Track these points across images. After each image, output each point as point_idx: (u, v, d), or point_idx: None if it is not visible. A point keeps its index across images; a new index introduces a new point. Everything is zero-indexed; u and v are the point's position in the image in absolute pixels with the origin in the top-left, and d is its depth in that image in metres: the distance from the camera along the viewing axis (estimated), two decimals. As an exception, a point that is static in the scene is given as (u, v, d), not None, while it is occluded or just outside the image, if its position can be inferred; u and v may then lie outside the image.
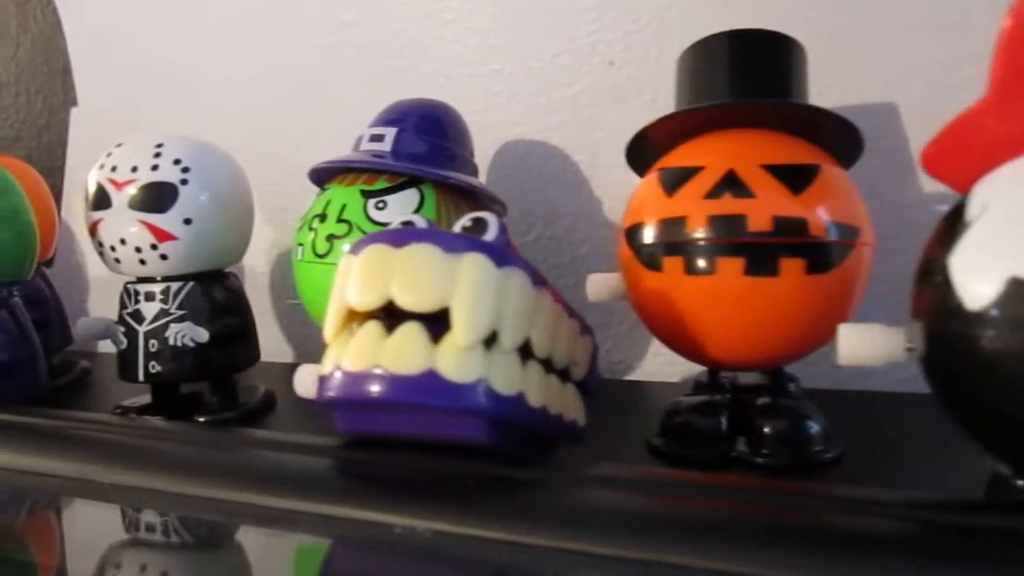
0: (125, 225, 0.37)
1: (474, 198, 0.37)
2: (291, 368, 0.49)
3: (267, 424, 0.41)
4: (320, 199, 0.36)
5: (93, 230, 0.38)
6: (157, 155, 0.37)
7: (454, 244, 0.23)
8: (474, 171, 0.38)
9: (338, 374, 0.23)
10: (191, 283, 0.39)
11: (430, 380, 0.22)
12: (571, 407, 0.27)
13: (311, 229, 0.35)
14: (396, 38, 0.47)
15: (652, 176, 0.31)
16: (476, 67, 0.45)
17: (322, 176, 0.38)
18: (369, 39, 0.47)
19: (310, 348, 0.52)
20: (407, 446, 0.27)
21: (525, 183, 0.44)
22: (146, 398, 0.41)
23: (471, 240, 0.24)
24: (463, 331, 0.22)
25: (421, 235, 0.24)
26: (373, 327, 0.23)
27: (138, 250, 0.37)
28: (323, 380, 0.24)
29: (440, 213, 0.35)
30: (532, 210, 0.44)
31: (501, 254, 0.24)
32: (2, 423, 0.36)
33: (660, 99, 0.41)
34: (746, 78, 0.31)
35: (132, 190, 0.37)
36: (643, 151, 0.33)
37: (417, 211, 0.34)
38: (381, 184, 0.35)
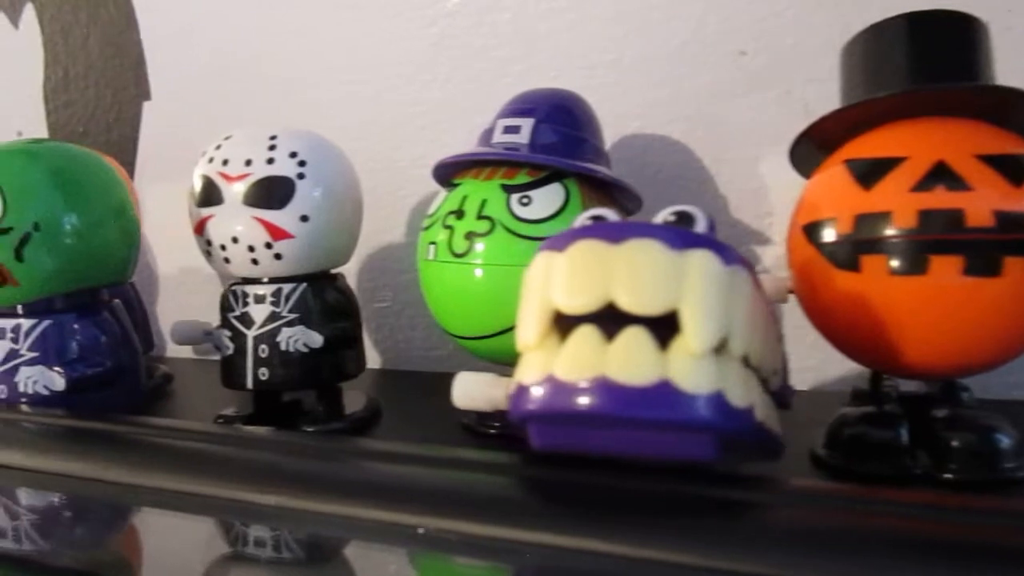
0: (238, 222, 0.35)
1: (611, 193, 0.34)
2: (381, 374, 0.47)
3: (375, 434, 0.39)
4: (454, 195, 0.33)
5: (200, 227, 0.36)
6: (272, 147, 0.35)
7: (679, 240, 0.21)
8: (608, 163, 0.35)
9: (547, 385, 0.21)
10: (303, 284, 0.36)
11: (663, 392, 0.20)
12: (775, 421, 0.25)
13: (446, 227, 0.33)
14: (503, 28, 0.44)
15: (836, 168, 0.28)
16: (591, 57, 0.42)
17: (446, 171, 0.35)
18: (474, 29, 0.45)
19: (398, 353, 0.50)
20: (597, 462, 0.24)
21: (644, 180, 0.41)
22: (243, 406, 0.39)
23: (696, 235, 0.21)
24: (697, 337, 0.20)
25: (641, 229, 0.21)
26: (589, 332, 0.21)
27: (251, 249, 0.35)
28: (523, 391, 0.22)
29: (586, 209, 0.32)
30: (652, 208, 0.42)
31: (727, 251, 0.21)
32: (105, 433, 0.34)
33: (796, 91, 0.39)
34: (933, 63, 0.29)
35: (246, 185, 0.35)
36: (807, 144, 0.31)
37: (564, 207, 0.32)
38: (523, 178, 0.32)
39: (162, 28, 0.53)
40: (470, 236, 0.32)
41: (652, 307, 0.20)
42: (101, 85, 0.55)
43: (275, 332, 0.36)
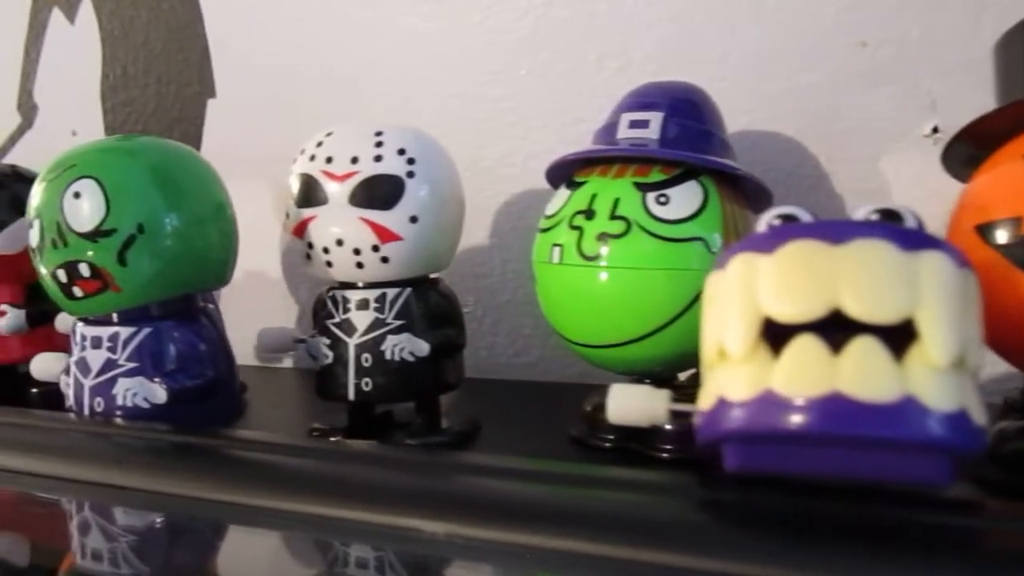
0: (344, 223, 0.33)
1: (743, 190, 0.32)
2: (466, 383, 0.44)
3: (478, 447, 0.37)
4: (579, 194, 0.31)
5: (301, 229, 0.34)
6: (379, 144, 0.33)
7: (909, 241, 0.19)
8: (735, 158, 0.33)
9: (762, 401, 0.19)
10: (408, 289, 0.34)
11: (906, 409, 0.18)
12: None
13: (573, 228, 0.31)
14: (600, 20, 0.42)
15: (1014, 165, 0.26)
16: (696, 49, 0.40)
17: (565, 169, 0.33)
18: (569, 21, 0.43)
19: (479, 360, 0.48)
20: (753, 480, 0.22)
21: (753, 179, 0.39)
22: (336, 418, 0.37)
23: (927, 236, 0.19)
24: (940, 348, 0.18)
25: (867, 229, 0.19)
26: (812, 343, 0.19)
27: (356, 252, 0.33)
28: (726, 407, 0.20)
29: (725, 208, 0.30)
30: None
31: (957, 253, 0.19)
32: (205, 449, 0.32)
33: (923, 85, 0.36)
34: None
35: (353, 184, 0.33)
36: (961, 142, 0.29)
37: (703, 206, 0.30)
38: (656, 176, 0.30)
39: (228, 21, 0.51)
40: (603, 237, 0.30)
41: (886, 315, 0.18)
42: (163, 82, 0.53)
43: (379, 340, 0.34)
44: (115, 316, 0.32)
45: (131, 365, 0.31)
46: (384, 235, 0.33)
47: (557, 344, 0.46)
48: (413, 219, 0.33)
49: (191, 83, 0.52)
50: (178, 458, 0.31)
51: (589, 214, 0.30)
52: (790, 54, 0.39)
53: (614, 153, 0.31)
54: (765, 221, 0.22)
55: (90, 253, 0.29)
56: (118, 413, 0.31)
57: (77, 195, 0.29)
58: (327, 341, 0.35)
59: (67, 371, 0.33)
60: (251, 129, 0.51)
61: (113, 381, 0.31)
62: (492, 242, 0.46)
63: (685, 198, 0.30)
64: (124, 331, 0.31)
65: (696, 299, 0.30)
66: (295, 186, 0.34)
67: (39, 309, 0.47)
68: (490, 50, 0.45)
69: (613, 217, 0.30)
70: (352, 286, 0.35)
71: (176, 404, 0.31)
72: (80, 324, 0.32)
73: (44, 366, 0.35)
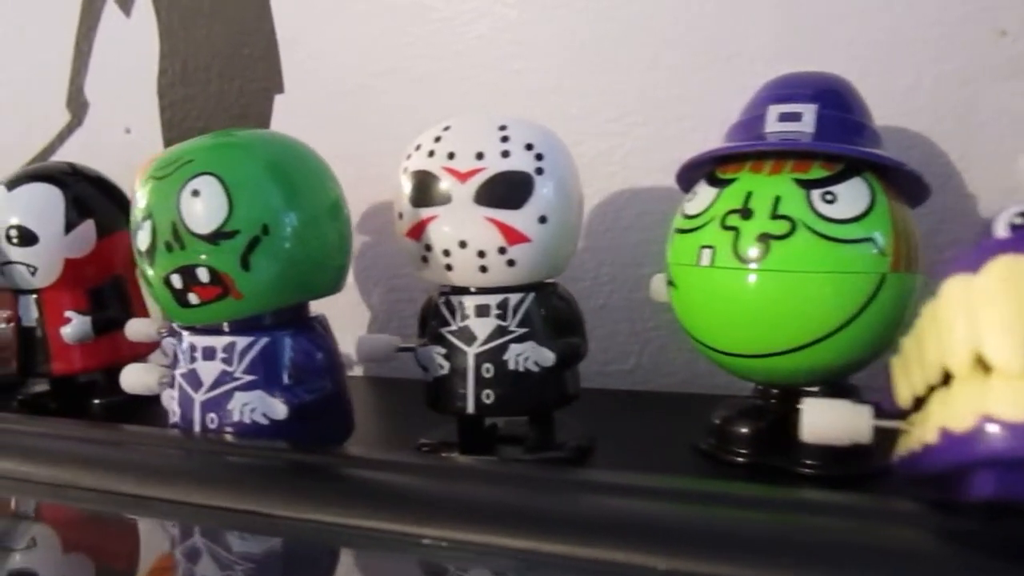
0: (470, 224, 0.30)
1: (901, 186, 0.30)
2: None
3: (597, 462, 0.35)
4: (729, 191, 0.29)
5: (418, 231, 0.31)
6: (504, 139, 0.31)
7: None
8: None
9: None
10: (531, 295, 0.32)
11: None
12: None
13: (727, 228, 0.28)
14: (708, 7, 0.40)
15: None
16: (815, 41, 0.38)
17: (704, 165, 0.31)
18: (673, 11, 0.41)
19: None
20: None
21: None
22: (444, 433, 0.35)
23: None
24: None
25: None
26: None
27: (481, 254, 0.31)
28: (995, 427, 0.18)
29: (891, 206, 0.28)
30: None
31: None
32: (322, 468, 0.30)
33: (1068, 76, 0.34)
34: None
35: (479, 181, 0.30)
36: None
37: (872, 204, 0.28)
38: (819, 172, 0.28)
39: (297, 13, 0.49)
40: (764, 239, 0.27)
41: None
42: (225, 78, 0.51)
43: (501, 349, 0.32)
44: (225, 325, 0.29)
45: (248, 378, 0.28)
46: (512, 236, 0.30)
47: (654, 351, 0.44)
48: (542, 219, 0.31)
49: (257, 78, 0.50)
50: (298, 479, 0.29)
51: (746, 213, 0.28)
52: (921, 44, 0.36)
53: (790, 147, 0.29)
54: (1004, 219, 0.20)
55: (205, 256, 0.27)
56: (228, 430, 0.29)
57: (196, 193, 0.27)
58: (442, 350, 0.32)
59: (171, 383, 0.30)
60: (320, 126, 0.48)
61: (228, 395, 0.28)
62: (585, 244, 0.44)
63: (853, 196, 0.28)
64: (240, 341, 0.28)
65: (864, 307, 0.27)
66: (409, 184, 0.31)
67: (103, 316, 0.45)
68: (591, 40, 0.42)
69: (775, 216, 0.28)
70: (463, 291, 0.32)
71: (296, 420, 0.28)
72: (187, 333, 0.30)
73: (137, 378, 0.32)
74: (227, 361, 0.28)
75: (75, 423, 0.33)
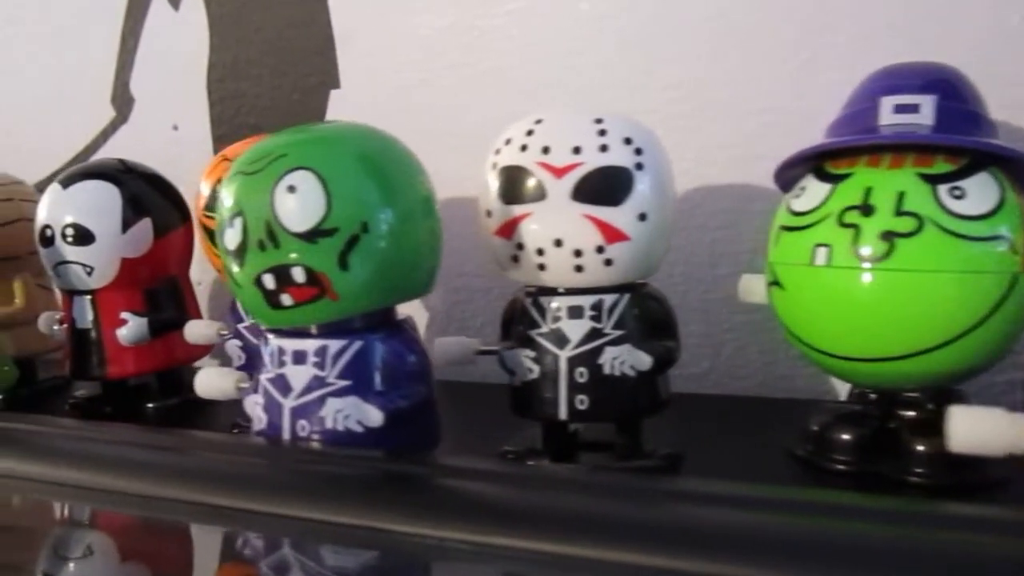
0: (566, 222, 0.29)
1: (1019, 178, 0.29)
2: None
3: (689, 470, 0.33)
4: (845, 186, 0.28)
5: (509, 229, 0.30)
6: (602, 132, 0.30)
7: None
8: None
9: None
10: (627, 295, 0.31)
11: None
12: None
13: (845, 225, 0.27)
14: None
15: None
16: (920, 30, 0.37)
17: (813, 159, 0.30)
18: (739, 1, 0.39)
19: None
20: None
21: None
22: (528, 439, 0.33)
23: None
24: None
25: None
26: None
27: (577, 253, 0.29)
28: None
29: (1020, 202, 0.27)
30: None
31: None
32: (417, 477, 0.28)
33: None
34: None
35: (577, 177, 0.29)
36: None
37: (1002, 200, 0.26)
38: (944, 166, 0.27)
39: (356, 3, 0.47)
40: (888, 236, 0.26)
41: None
42: (278, 72, 0.49)
43: (596, 352, 0.30)
44: (314, 328, 0.28)
45: (342, 383, 0.27)
46: (611, 234, 0.29)
47: (730, 354, 0.43)
48: (641, 216, 0.29)
49: (312, 72, 0.48)
50: (395, 489, 0.27)
51: (867, 210, 0.27)
52: None
53: (919, 140, 0.27)
54: None
55: (301, 255, 0.26)
56: (316, 437, 0.27)
57: (292, 189, 0.25)
58: (531, 354, 0.31)
59: (255, 389, 0.29)
60: (378, 125, 0.47)
61: (321, 401, 0.27)
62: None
63: (982, 191, 0.26)
64: (333, 344, 0.27)
65: (994, 309, 0.26)
66: (499, 180, 0.30)
67: (159, 317, 0.43)
68: (659, 35, 0.41)
69: (899, 213, 0.26)
70: (554, 291, 0.31)
71: (388, 427, 0.27)
72: (273, 336, 0.28)
73: (213, 383, 0.31)
74: (319, 365, 0.27)
75: (162, 432, 0.33)
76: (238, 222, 0.26)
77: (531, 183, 0.29)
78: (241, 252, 0.26)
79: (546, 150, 0.29)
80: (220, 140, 0.51)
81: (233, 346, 0.38)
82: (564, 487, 0.28)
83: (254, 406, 0.29)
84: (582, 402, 0.30)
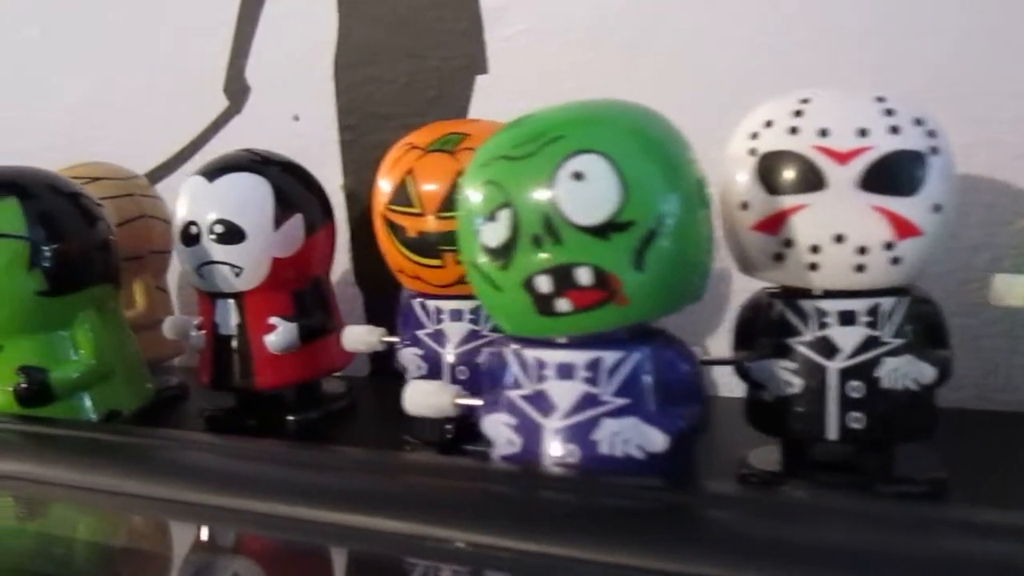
0: (851, 214, 0.25)
1: None
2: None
3: (954, 497, 0.29)
4: None
5: (776, 223, 0.26)
6: (889, 112, 0.26)
7: None
8: None
9: None
10: (906, 299, 0.27)
11: None
12: None
13: None
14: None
15: None
16: None
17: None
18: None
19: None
20: None
21: None
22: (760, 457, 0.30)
23: None
24: None
25: None
26: None
27: (862, 251, 0.26)
28: None
29: None
30: None
31: None
32: (681, 509, 0.25)
33: None
34: None
35: (866, 163, 0.25)
36: None
37: None
38: None
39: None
40: None
41: None
42: (417, 56, 0.45)
43: (873, 363, 0.27)
44: (564, 337, 0.24)
45: (620, 402, 0.23)
46: (903, 229, 0.25)
47: (992, 366, 0.38)
48: (936, 208, 0.26)
49: (454, 56, 0.44)
50: (671, 524, 0.24)
51: None
52: None
53: None
54: None
55: (588, 254, 0.22)
56: (591, 464, 0.24)
57: (578, 176, 0.22)
58: (791, 364, 0.27)
59: (499, 405, 0.25)
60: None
61: (594, 423, 0.23)
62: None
63: None
64: (608, 357, 0.23)
65: None
66: (761, 168, 0.26)
67: (309, 323, 0.40)
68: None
69: None
70: (808, 293, 0.27)
71: (671, 451, 0.23)
72: (522, 346, 0.25)
73: (427, 400, 0.27)
74: (591, 381, 0.23)
75: (372, 453, 0.28)
76: (504, 215, 0.23)
77: (806, 170, 0.26)
78: (507, 250, 0.23)
79: (824, 133, 0.26)
80: (348, 131, 0.48)
81: (411, 355, 0.34)
82: (829, 517, 0.24)
83: (502, 427, 0.25)
84: (858, 420, 0.27)
